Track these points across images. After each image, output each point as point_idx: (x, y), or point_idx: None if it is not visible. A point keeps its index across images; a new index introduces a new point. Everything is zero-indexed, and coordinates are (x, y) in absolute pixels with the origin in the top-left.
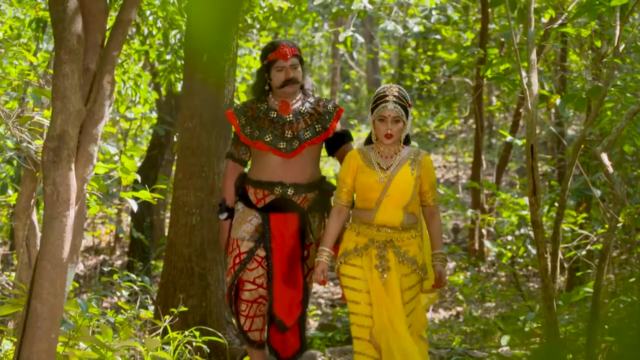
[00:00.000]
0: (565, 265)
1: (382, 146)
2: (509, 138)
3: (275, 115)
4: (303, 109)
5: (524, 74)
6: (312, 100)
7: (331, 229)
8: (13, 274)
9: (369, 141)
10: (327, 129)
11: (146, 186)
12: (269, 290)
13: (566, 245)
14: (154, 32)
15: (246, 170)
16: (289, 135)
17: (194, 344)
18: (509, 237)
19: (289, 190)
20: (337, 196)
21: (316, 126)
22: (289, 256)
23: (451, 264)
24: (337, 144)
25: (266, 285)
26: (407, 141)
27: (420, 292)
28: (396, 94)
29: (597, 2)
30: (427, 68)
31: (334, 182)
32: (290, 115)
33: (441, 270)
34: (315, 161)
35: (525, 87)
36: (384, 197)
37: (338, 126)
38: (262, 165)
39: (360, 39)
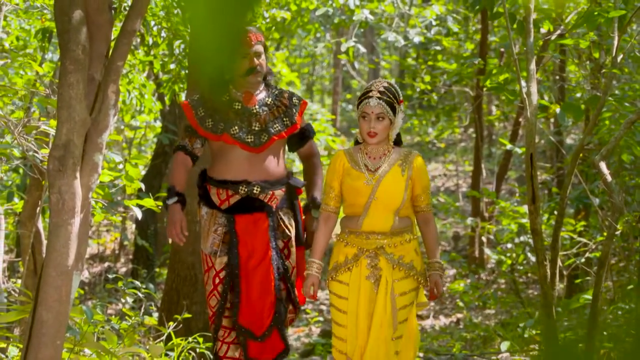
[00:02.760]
0: (564, 272)
1: (370, 146)
2: (508, 147)
3: (240, 107)
4: (269, 100)
5: (523, 83)
6: (275, 91)
7: (320, 239)
8: (19, 281)
9: (358, 141)
10: (294, 122)
11: (150, 194)
12: (233, 300)
13: (565, 252)
14: (158, 43)
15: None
16: (256, 128)
17: (197, 350)
18: (509, 245)
19: (255, 188)
20: (324, 202)
21: (284, 119)
22: (258, 260)
23: (451, 272)
24: (302, 140)
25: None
26: (398, 142)
27: (415, 301)
28: (382, 89)
29: (596, 13)
30: (427, 78)
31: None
32: (256, 107)
33: (437, 281)
34: (282, 156)
35: (525, 96)
36: (372, 201)
37: (302, 121)
38: (225, 162)
39: (362, 49)
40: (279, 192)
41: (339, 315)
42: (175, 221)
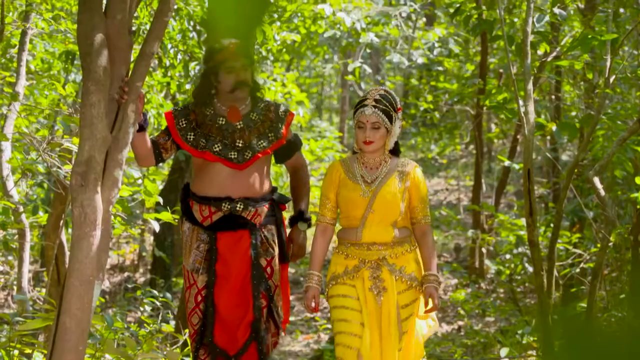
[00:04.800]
0: (560, 282)
1: (367, 156)
2: (507, 163)
3: (223, 123)
4: (254, 115)
5: (521, 103)
6: (261, 105)
7: (317, 250)
8: (44, 290)
9: (355, 151)
10: (280, 137)
11: (167, 208)
12: (207, 318)
13: (561, 263)
14: (175, 65)
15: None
16: (240, 145)
17: None
18: (507, 256)
19: (238, 205)
20: (321, 213)
21: (269, 135)
22: (238, 277)
23: (453, 281)
24: (288, 152)
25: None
26: (396, 152)
27: (416, 313)
28: (377, 97)
29: (590, 36)
30: (430, 97)
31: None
32: (241, 123)
33: (432, 293)
34: (266, 172)
35: (523, 115)
36: (369, 214)
37: (289, 133)
38: (207, 178)
39: (368, 70)
40: (263, 209)
41: (345, 312)
42: None
